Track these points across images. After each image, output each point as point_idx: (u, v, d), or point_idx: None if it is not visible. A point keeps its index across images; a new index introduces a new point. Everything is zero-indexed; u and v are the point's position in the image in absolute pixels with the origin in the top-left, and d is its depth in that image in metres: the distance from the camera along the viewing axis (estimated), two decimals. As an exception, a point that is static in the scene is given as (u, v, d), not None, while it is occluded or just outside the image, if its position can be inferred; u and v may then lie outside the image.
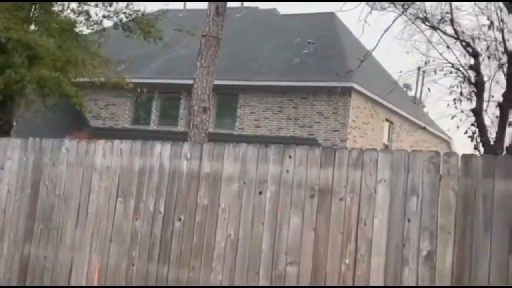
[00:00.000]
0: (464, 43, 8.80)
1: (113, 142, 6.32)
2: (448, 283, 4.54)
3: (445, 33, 9.04)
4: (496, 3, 8.45)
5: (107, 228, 6.14)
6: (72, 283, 6.18)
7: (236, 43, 22.66)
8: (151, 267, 5.86)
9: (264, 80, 21.86)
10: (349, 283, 4.89)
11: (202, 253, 5.63)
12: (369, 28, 10.89)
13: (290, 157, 5.32)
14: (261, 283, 5.28)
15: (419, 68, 18.96)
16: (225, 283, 5.45)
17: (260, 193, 5.41)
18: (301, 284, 5.09)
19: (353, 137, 20.83)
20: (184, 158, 5.88)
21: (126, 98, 23.73)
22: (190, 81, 9.80)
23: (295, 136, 20.80)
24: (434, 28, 9.26)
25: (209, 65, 8.90)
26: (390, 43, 10.42)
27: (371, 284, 4.81)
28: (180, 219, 5.79)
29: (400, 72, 10.95)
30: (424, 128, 22.54)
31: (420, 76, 23.43)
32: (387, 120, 23.75)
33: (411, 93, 28.35)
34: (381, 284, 4.77)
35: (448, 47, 9.13)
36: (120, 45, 20.81)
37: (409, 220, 4.74)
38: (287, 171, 5.31)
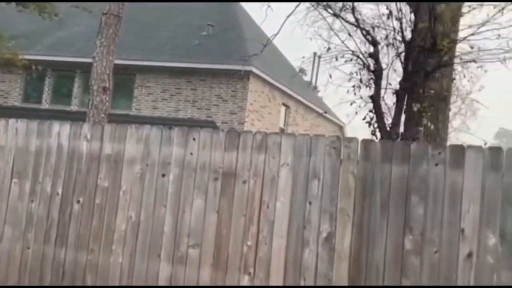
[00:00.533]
0: (364, 31, 9.05)
1: (8, 120, 6.08)
2: (346, 264, 4.70)
3: (346, 21, 9.26)
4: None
5: (0, 209, 5.91)
6: (-38, 268, 5.92)
7: (134, 22, 22.22)
8: (47, 249, 5.71)
9: (162, 61, 21.60)
10: (251, 264, 4.97)
11: (102, 236, 5.55)
12: (272, 14, 11.01)
13: (194, 139, 5.31)
14: (162, 266, 5.27)
15: (315, 54, 19.36)
16: (125, 266, 5.40)
17: (163, 175, 5.38)
18: (202, 265, 5.12)
19: (251, 120, 21.03)
20: (84, 139, 5.75)
21: (17, 75, 22.77)
22: (85, 59, 9.57)
23: (193, 118, 20.74)
24: (336, 15, 9.47)
25: (109, 44, 8.71)
26: (292, 29, 10.58)
27: (272, 263, 4.90)
28: (79, 201, 5.67)
29: (303, 57, 11.14)
30: (325, 113, 23.07)
31: (316, 62, 23.94)
32: (283, 104, 24.13)
33: (306, 78, 28.88)
34: (282, 263, 4.87)
35: (349, 34, 9.37)
36: (11, 19, 19.92)
37: (310, 203, 4.86)
38: (191, 154, 5.30)
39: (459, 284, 4.38)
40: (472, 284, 4.35)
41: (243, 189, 5.09)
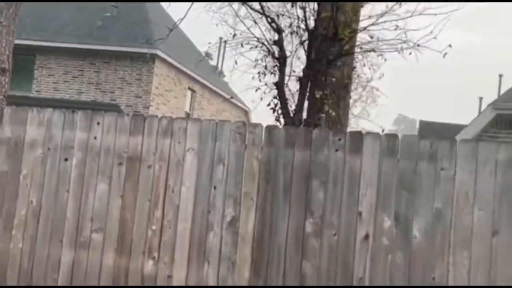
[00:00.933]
0: (269, 19, 9.15)
1: None
2: (249, 247, 4.81)
3: (252, 8, 9.33)
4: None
5: None
6: None
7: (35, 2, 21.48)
8: None
9: (63, 42, 21.03)
10: (155, 248, 4.99)
11: (1, 221, 5.41)
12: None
13: (98, 123, 5.26)
14: (64, 251, 5.20)
15: (221, 39, 19.39)
16: (26, 251, 5.30)
17: (66, 159, 5.30)
18: (106, 250, 5.10)
19: (156, 104, 20.85)
20: (-18, 122, 5.57)
21: None
22: (-15, 39, 9.13)
23: (97, 101, 20.34)
24: (241, 2, 9.53)
25: (9, 24, 8.39)
26: (198, 14, 10.56)
27: (176, 247, 4.94)
28: (-24, 186, 5.50)
29: (209, 43, 11.12)
30: (231, 98, 23.18)
31: (222, 48, 23.98)
32: (189, 88, 24.06)
33: (212, 63, 28.91)
34: (187, 247, 4.92)
35: (254, 21, 9.46)
36: None
37: (215, 188, 4.93)
38: (95, 138, 5.25)
39: (356, 265, 4.58)
40: (368, 264, 4.56)
41: (148, 173, 5.09)
